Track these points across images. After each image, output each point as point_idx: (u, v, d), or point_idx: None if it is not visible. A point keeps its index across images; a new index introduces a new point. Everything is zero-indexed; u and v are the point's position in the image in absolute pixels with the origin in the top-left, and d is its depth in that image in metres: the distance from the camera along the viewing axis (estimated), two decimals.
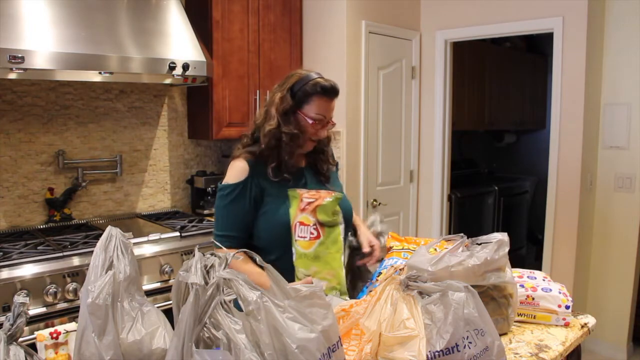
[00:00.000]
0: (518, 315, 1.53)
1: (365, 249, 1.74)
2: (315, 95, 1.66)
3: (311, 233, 1.57)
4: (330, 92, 1.68)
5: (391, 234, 1.81)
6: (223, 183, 1.71)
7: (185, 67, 2.55)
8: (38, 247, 2.25)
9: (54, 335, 1.28)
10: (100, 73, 2.34)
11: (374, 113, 3.50)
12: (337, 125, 1.83)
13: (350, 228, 1.81)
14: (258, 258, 1.07)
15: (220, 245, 1.66)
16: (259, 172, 1.69)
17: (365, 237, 1.79)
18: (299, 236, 1.60)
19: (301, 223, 1.59)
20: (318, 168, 1.82)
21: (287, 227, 1.64)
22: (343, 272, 1.57)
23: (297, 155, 1.76)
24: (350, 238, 1.79)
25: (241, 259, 1.54)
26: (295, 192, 1.64)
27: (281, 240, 1.67)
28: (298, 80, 1.69)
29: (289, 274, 1.59)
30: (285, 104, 1.68)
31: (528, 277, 1.64)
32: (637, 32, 3.21)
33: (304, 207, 1.60)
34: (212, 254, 0.99)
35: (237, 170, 1.69)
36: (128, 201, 3.02)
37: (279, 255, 1.67)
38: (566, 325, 1.52)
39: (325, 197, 1.60)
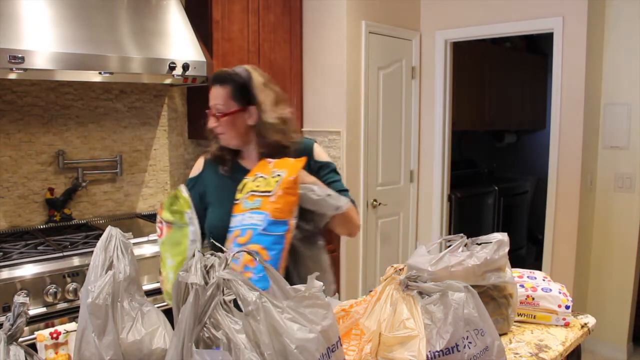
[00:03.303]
0: (518, 315, 1.53)
1: None
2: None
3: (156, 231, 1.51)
4: (212, 79, 1.66)
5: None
6: None
7: (185, 67, 2.55)
8: (38, 247, 2.25)
9: (54, 335, 1.28)
10: (100, 73, 2.34)
11: (374, 113, 3.49)
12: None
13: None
14: (258, 258, 1.08)
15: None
16: (210, 171, 1.73)
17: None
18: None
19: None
20: None
21: (215, 232, 1.60)
22: (169, 281, 1.41)
23: (243, 151, 1.73)
24: None
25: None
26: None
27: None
28: None
29: None
30: None
31: (528, 277, 1.64)
32: (637, 32, 3.21)
33: None
34: (212, 254, 0.99)
35: (195, 167, 1.77)
36: (128, 201, 3.02)
37: None
38: (566, 325, 1.52)
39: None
